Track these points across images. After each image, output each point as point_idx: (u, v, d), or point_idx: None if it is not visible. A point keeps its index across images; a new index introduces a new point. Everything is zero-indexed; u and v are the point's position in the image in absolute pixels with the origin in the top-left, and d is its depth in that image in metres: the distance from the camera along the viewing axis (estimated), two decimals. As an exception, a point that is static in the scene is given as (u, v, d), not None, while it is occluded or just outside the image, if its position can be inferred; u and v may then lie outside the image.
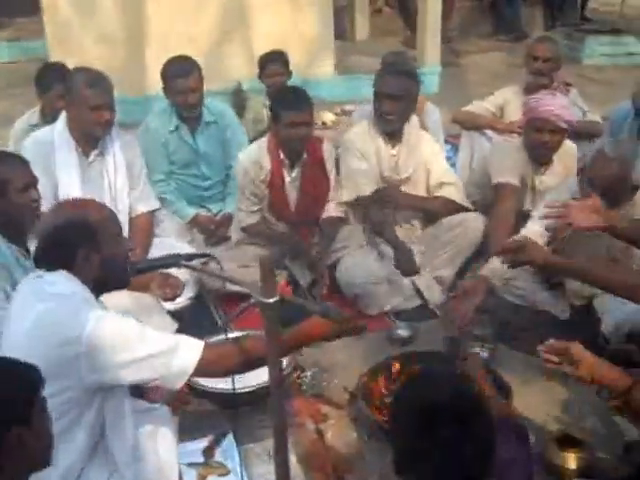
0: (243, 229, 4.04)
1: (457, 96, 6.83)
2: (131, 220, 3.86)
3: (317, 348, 3.45)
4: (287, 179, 3.93)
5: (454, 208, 4.01)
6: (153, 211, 4.01)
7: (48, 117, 4.32)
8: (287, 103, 3.77)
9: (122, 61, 6.22)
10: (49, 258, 2.27)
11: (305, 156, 3.91)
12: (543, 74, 4.84)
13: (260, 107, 4.97)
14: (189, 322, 3.60)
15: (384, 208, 3.94)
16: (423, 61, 7.60)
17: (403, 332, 3.55)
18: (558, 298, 3.63)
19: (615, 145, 3.39)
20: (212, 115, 4.39)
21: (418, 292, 3.87)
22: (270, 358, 1.89)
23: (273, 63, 4.88)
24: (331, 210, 4.08)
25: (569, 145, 4.16)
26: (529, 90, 4.87)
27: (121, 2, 6.34)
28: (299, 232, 4.05)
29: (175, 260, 2.35)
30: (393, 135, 3.97)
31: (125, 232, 3.73)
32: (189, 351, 2.25)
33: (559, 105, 3.84)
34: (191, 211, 4.35)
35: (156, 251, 3.77)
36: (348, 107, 6.60)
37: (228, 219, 4.31)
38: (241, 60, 6.66)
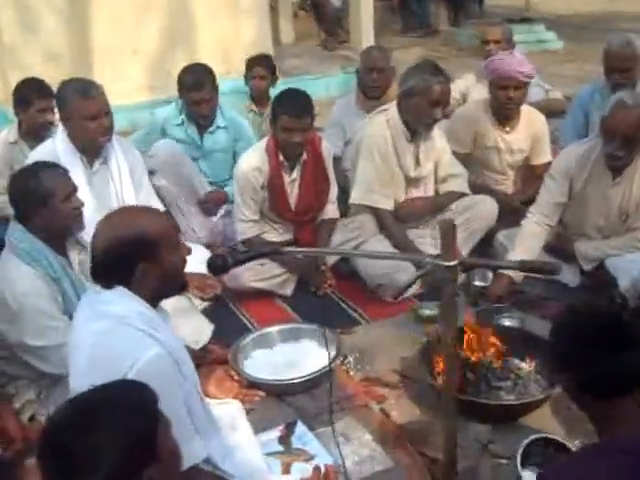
0: (242, 242, 4.01)
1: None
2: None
3: (350, 335, 3.54)
4: (287, 180, 3.93)
5: (459, 197, 4.17)
6: (160, 214, 3.97)
7: (30, 133, 4.22)
8: (286, 107, 3.75)
9: (67, 76, 6.04)
10: (106, 273, 2.17)
11: (305, 156, 3.92)
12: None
13: (246, 111, 4.97)
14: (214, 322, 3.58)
15: (404, 228, 4.03)
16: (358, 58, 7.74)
17: (429, 312, 3.64)
18: (569, 266, 3.80)
19: (634, 95, 3.59)
20: (225, 121, 4.47)
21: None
22: (446, 325, 1.91)
23: (258, 67, 4.90)
24: (329, 212, 4.11)
25: (538, 114, 4.45)
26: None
27: (64, 17, 6.20)
28: (299, 231, 4.08)
29: (271, 249, 2.34)
30: (415, 133, 3.99)
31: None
32: (198, 449, 2.20)
33: (519, 62, 4.17)
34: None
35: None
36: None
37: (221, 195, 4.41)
38: (184, 67, 6.63)
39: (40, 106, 4.23)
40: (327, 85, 7.34)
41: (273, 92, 4.84)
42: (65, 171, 2.95)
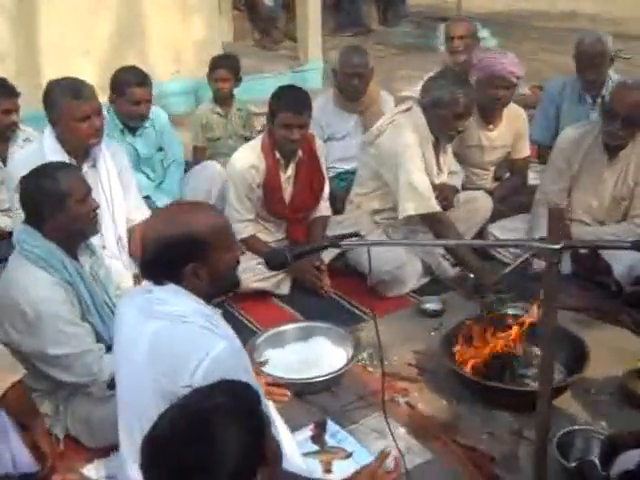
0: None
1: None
2: (130, 230, 3.68)
3: (362, 330, 3.52)
4: (282, 177, 3.88)
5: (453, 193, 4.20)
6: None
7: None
8: (285, 103, 3.70)
9: (16, 76, 5.79)
10: (156, 271, 2.11)
11: (300, 153, 3.87)
12: (460, 52, 5.18)
13: (210, 113, 4.87)
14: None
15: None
16: (306, 58, 7.75)
17: (433, 305, 3.67)
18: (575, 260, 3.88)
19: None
20: (149, 120, 4.30)
21: (429, 270, 4.00)
22: (547, 313, 1.91)
23: (222, 68, 4.79)
24: (322, 209, 4.08)
25: (519, 110, 4.55)
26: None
27: (13, 16, 5.94)
28: (293, 229, 4.03)
29: (331, 241, 2.28)
30: (438, 139, 3.93)
31: (124, 242, 3.60)
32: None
33: (511, 62, 4.22)
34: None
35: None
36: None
37: None
38: (137, 69, 6.49)
39: (5, 106, 4.05)
40: (276, 85, 7.23)
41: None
42: (80, 171, 2.82)
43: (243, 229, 3.84)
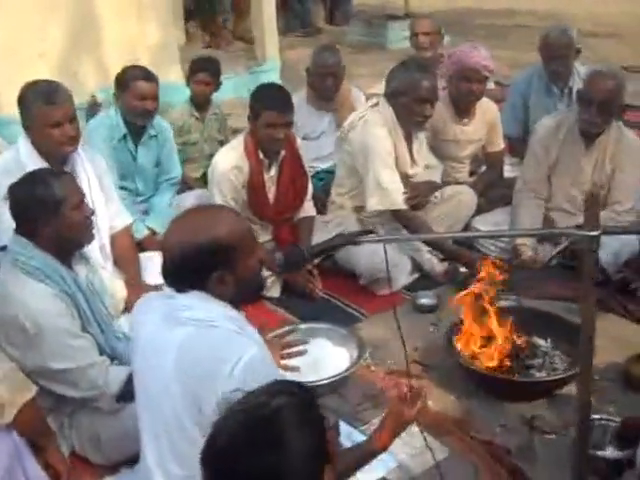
0: None
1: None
2: (112, 237, 3.57)
3: (359, 330, 3.49)
4: (266, 177, 3.82)
5: (435, 188, 4.23)
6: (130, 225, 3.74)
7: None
8: (268, 102, 3.64)
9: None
10: (180, 278, 2.04)
11: (283, 153, 3.81)
12: (425, 48, 5.22)
13: (187, 116, 4.76)
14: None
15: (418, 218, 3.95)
16: (263, 58, 7.69)
17: (428, 301, 3.66)
18: (544, 245, 3.93)
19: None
20: (154, 129, 4.22)
21: (418, 266, 3.99)
22: (584, 302, 1.90)
23: (203, 71, 4.70)
24: (307, 209, 4.04)
25: (491, 103, 4.60)
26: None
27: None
28: (278, 231, 3.97)
29: (346, 240, 2.25)
30: (408, 130, 3.94)
31: (108, 250, 3.50)
32: None
33: (483, 56, 4.27)
34: (143, 229, 4.07)
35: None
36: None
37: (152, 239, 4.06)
38: (93, 72, 6.37)
39: None
40: (235, 86, 7.19)
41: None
42: (73, 177, 2.72)
43: None
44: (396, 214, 3.88)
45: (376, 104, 3.95)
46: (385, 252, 2.40)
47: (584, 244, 1.86)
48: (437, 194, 4.20)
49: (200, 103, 4.79)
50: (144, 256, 3.74)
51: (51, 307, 2.55)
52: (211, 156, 4.85)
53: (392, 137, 3.85)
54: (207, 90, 4.73)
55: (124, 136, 4.08)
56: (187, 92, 4.89)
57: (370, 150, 3.79)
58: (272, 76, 7.65)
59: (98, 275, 2.90)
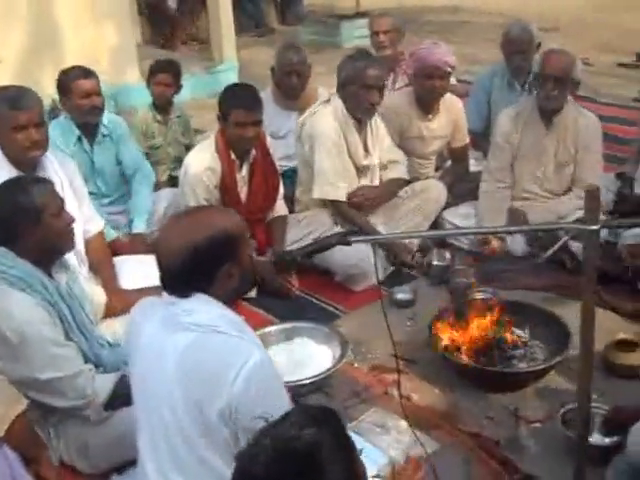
0: None
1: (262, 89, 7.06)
2: (87, 242, 3.52)
3: (338, 327, 3.49)
4: (238, 177, 3.80)
5: (404, 184, 4.27)
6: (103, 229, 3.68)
7: None
8: (236, 101, 3.62)
9: None
10: (185, 281, 2.00)
11: (254, 152, 3.80)
12: (386, 46, 5.24)
13: (150, 120, 4.71)
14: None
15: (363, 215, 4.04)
16: (221, 58, 7.65)
17: (404, 295, 3.68)
18: (514, 236, 4.00)
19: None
20: (106, 128, 4.16)
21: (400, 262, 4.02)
22: (586, 291, 1.92)
23: (163, 73, 4.65)
24: (279, 208, 4.04)
25: (455, 99, 4.65)
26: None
27: None
28: (252, 231, 3.94)
29: (338, 240, 2.26)
30: (361, 121, 4.00)
31: (83, 255, 3.45)
32: None
33: (444, 52, 4.32)
34: (111, 232, 4.01)
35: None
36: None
37: (141, 240, 4.04)
38: (52, 78, 6.21)
39: None
40: (192, 87, 7.13)
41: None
42: (52, 184, 2.67)
43: None
44: (335, 206, 3.98)
45: (328, 100, 4.04)
46: (374, 251, 2.43)
47: (584, 238, 1.90)
48: (407, 189, 4.24)
49: (162, 105, 4.75)
50: (116, 260, 3.69)
51: (34, 316, 2.50)
52: (176, 159, 4.86)
53: (342, 128, 3.94)
54: (167, 92, 4.70)
55: (78, 138, 4.03)
56: (148, 94, 4.84)
57: (315, 140, 3.91)
58: (230, 76, 7.64)
59: (78, 282, 2.85)
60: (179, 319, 1.99)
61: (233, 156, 3.74)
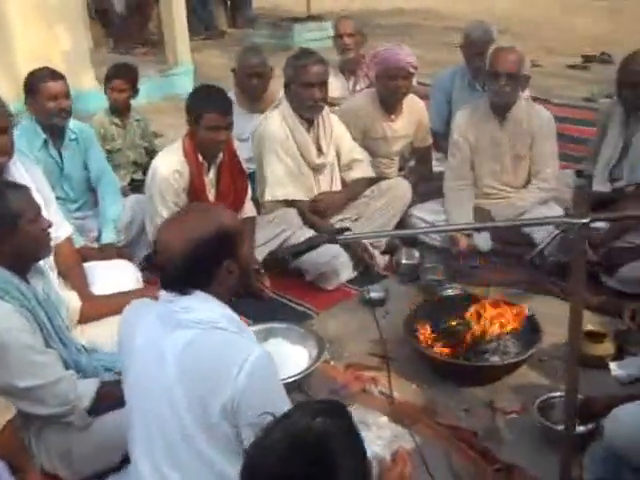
0: None
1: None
2: (56, 248, 3.46)
3: (312, 327, 3.52)
4: (207, 181, 3.78)
5: (370, 182, 4.31)
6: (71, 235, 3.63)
7: None
8: (210, 104, 3.59)
9: None
10: (185, 279, 2.01)
11: (221, 155, 3.80)
12: (350, 49, 5.30)
13: (107, 124, 4.67)
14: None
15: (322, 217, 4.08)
16: (175, 61, 7.60)
17: (377, 294, 3.71)
18: (479, 232, 4.09)
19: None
20: (73, 132, 4.09)
21: (361, 260, 4.05)
22: (574, 286, 1.97)
23: (118, 78, 4.63)
24: (247, 211, 4.04)
25: (417, 100, 4.73)
26: (342, 67, 5.34)
27: None
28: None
29: (327, 238, 2.27)
30: (310, 121, 4.05)
31: (51, 261, 3.40)
32: None
33: (407, 53, 4.41)
34: (79, 239, 3.96)
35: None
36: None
37: (110, 250, 3.99)
38: (5, 83, 6.14)
39: None
40: (148, 90, 7.06)
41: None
42: (29, 190, 2.63)
43: None
44: (298, 209, 4.03)
45: (278, 104, 4.11)
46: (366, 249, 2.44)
47: (573, 232, 1.95)
48: (374, 188, 4.29)
49: (119, 110, 4.73)
50: (86, 266, 3.64)
51: (13, 324, 2.45)
52: (135, 163, 4.84)
53: (291, 129, 4.01)
54: (123, 96, 4.68)
55: (45, 142, 3.95)
56: (103, 99, 4.81)
57: (261, 142, 4.02)
58: (186, 79, 7.63)
59: (53, 288, 2.82)
60: (178, 317, 1.99)
61: (201, 159, 3.73)
